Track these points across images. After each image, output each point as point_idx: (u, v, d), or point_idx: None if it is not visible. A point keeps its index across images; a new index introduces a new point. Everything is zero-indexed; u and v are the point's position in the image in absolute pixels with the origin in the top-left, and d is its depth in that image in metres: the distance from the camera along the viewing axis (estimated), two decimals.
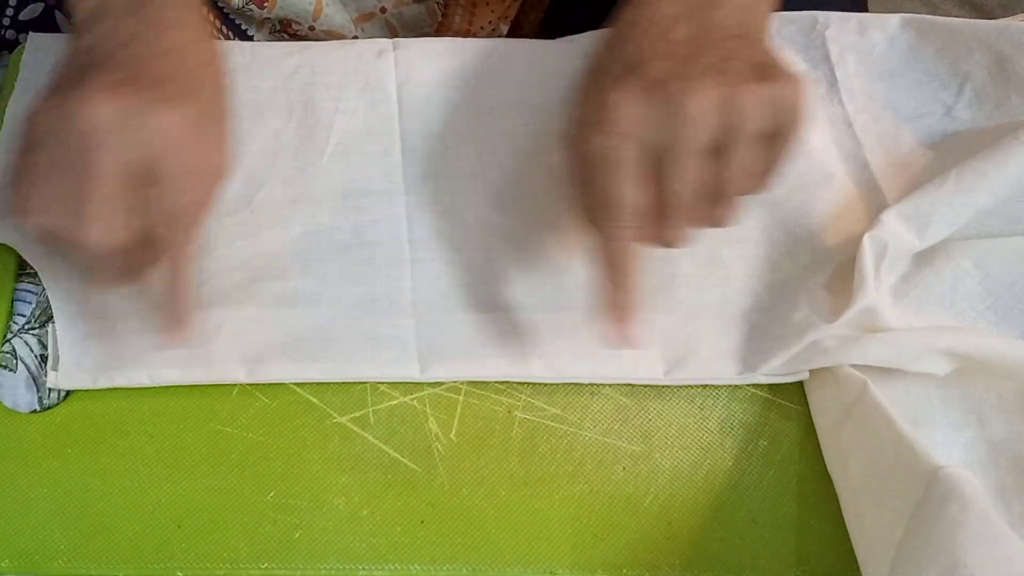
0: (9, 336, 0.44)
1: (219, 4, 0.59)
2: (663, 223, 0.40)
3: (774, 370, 0.43)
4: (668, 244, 0.40)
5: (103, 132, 0.36)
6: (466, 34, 0.65)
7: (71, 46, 0.40)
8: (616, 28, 0.42)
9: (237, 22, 0.61)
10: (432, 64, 0.51)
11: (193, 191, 0.39)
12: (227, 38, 0.61)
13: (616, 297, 0.40)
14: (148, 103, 0.37)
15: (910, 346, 0.41)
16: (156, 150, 0.37)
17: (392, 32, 0.63)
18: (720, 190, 0.39)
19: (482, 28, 0.66)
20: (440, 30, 0.64)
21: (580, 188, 0.41)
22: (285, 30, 0.62)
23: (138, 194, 0.38)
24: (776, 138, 0.38)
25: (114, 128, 0.37)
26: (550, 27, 0.70)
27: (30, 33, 0.52)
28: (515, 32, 0.70)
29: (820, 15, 0.54)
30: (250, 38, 0.62)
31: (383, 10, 0.61)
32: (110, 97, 0.37)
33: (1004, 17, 0.52)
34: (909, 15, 0.53)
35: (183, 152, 0.38)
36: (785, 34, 0.53)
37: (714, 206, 0.39)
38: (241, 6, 0.58)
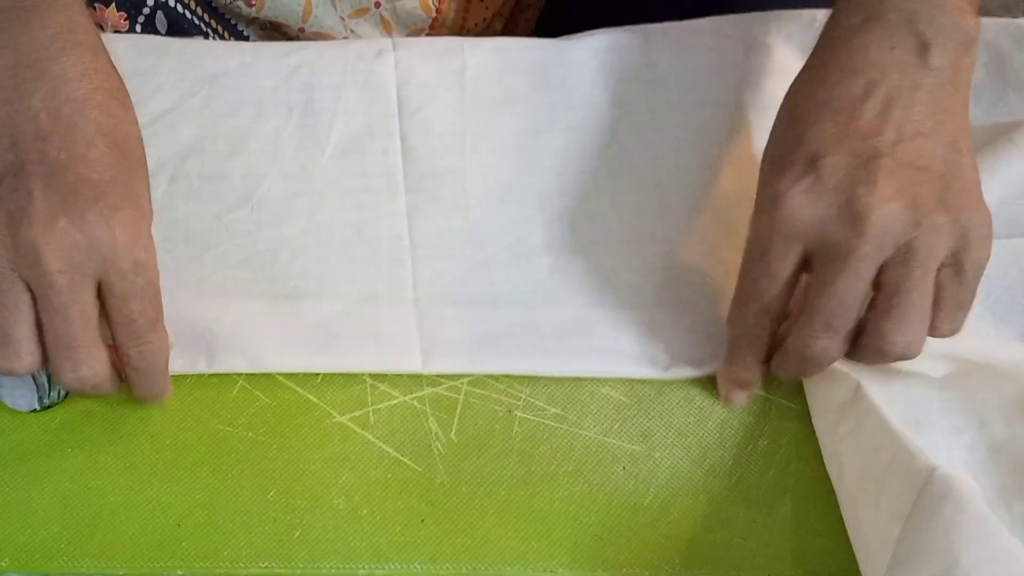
0: None
1: (211, 2, 0.59)
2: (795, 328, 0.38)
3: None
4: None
5: (69, 272, 0.35)
6: (460, 29, 0.65)
7: None
8: (797, 104, 0.40)
9: (227, 17, 0.61)
10: (432, 64, 0.52)
11: (145, 289, 0.38)
12: (219, 35, 0.61)
13: (736, 373, 0.42)
14: (98, 224, 0.36)
15: None
16: (113, 268, 0.37)
17: (386, 27, 0.63)
18: (865, 308, 0.36)
19: (476, 24, 0.66)
20: (434, 25, 0.63)
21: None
22: (275, 30, 0.62)
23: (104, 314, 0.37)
24: (948, 268, 0.36)
25: (77, 263, 0.36)
26: (546, 26, 0.70)
27: None
28: (510, 30, 0.70)
29: (820, 13, 0.54)
30: (241, 33, 0.62)
31: (377, 4, 0.61)
32: (64, 229, 0.35)
33: (1004, 17, 0.52)
34: None
35: (130, 261, 0.37)
36: (785, 31, 0.53)
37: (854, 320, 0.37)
38: (229, 2, 0.58)
